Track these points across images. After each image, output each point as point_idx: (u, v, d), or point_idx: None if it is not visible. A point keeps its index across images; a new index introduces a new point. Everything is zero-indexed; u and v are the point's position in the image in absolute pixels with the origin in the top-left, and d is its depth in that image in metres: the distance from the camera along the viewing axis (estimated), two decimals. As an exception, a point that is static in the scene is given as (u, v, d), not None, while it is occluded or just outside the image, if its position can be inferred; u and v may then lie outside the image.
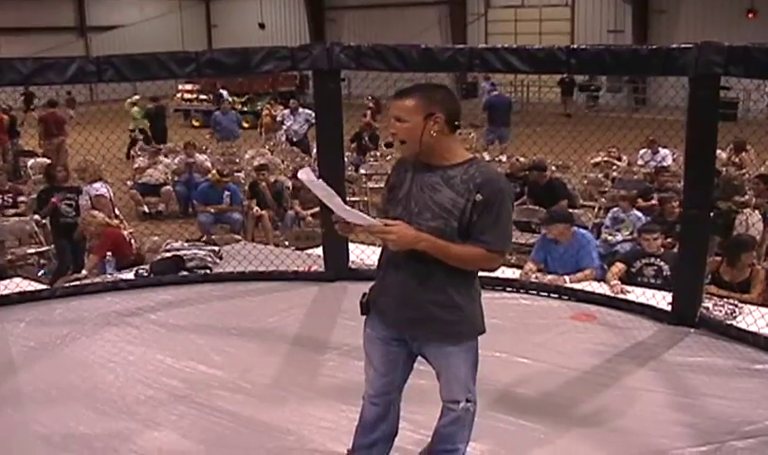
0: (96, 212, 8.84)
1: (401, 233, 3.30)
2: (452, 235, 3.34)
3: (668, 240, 7.68)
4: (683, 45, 5.75)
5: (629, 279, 7.02)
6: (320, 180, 3.43)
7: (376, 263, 3.69)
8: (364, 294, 3.65)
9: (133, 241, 8.57)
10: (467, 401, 3.57)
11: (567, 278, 7.00)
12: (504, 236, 3.39)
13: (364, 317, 3.68)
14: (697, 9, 27.20)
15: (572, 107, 27.16)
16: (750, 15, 26.25)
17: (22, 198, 11.04)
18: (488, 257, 3.36)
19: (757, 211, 8.96)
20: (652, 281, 6.96)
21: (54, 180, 9.93)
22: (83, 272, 7.96)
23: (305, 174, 3.46)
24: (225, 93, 23.83)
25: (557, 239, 7.35)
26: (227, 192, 11.32)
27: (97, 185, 10.14)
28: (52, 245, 9.68)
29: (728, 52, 5.51)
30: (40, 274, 9.27)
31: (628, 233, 9.01)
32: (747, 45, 5.46)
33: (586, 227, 8.62)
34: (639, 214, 9.21)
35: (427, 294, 3.42)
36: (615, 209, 9.45)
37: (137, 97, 18.92)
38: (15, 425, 4.79)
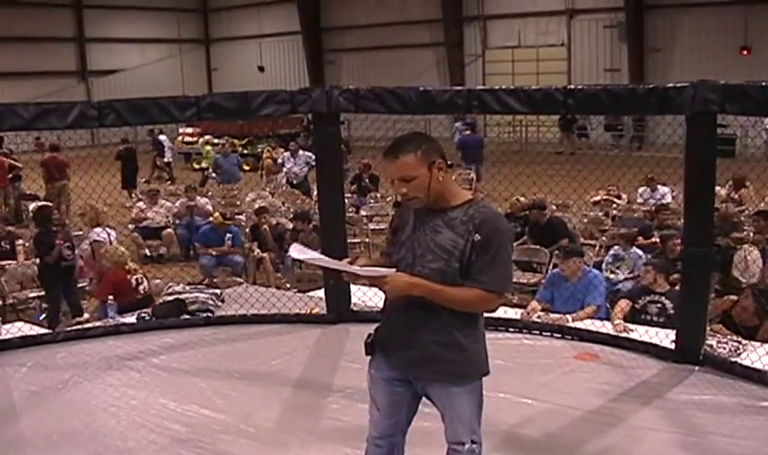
0: (122, 248, 8.87)
1: (394, 282, 3.35)
2: (454, 276, 3.36)
3: (672, 277, 7.67)
4: (679, 84, 5.80)
5: (633, 316, 7.01)
6: (317, 254, 3.53)
7: (381, 304, 3.71)
8: (369, 334, 3.66)
9: (145, 281, 8.53)
10: (473, 442, 3.54)
11: (570, 317, 6.99)
12: (502, 276, 3.41)
13: (368, 358, 3.67)
14: (692, 46, 27.46)
15: (573, 145, 27.29)
16: (744, 52, 26.49)
17: (20, 242, 11.01)
18: (486, 298, 3.38)
19: (755, 247, 8.95)
20: (656, 318, 6.94)
21: (48, 222, 9.82)
22: (85, 316, 7.95)
23: (296, 252, 3.54)
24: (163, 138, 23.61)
25: (567, 277, 7.36)
26: (228, 235, 11.33)
27: (97, 230, 10.17)
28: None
29: (724, 90, 5.56)
30: (41, 318, 9.25)
31: (628, 271, 9.01)
32: (743, 83, 5.52)
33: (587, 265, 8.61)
34: (639, 252, 9.21)
35: (431, 335, 3.43)
36: (616, 247, 9.45)
37: (208, 136, 19.59)
38: (17, 472, 4.77)
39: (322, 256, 3.49)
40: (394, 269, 3.43)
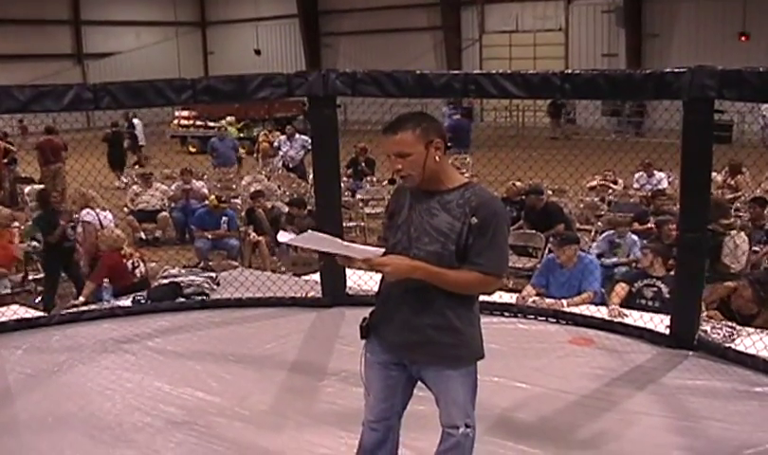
0: (119, 231, 8.81)
1: (395, 265, 3.34)
2: (451, 258, 3.37)
3: (669, 262, 7.68)
4: (676, 69, 5.80)
5: (628, 299, 7.01)
6: (306, 233, 3.49)
7: (377, 288, 3.71)
8: (365, 318, 3.66)
9: (142, 265, 8.50)
10: (467, 426, 3.55)
11: (565, 301, 7.00)
12: (500, 259, 3.42)
13: (363, 342, 3.67)
14: (690, 32, 27.42)
15: (560, 130, 27.25)
16: (742, 38, 26.45)
17: (16, 224, 10.99)
18: (484, 280, 3.39)
19: (743, 233, 8.95)
20: (651, 302, 6.95)
21: (48, 204, 9.83)
22: (81, 299, 7.94)
23: (284, 237, 3.55)
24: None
25: (563, 263, 7.37)
26: (224, 218, 11.31)
27: (83, 212, 10.13)
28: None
29: (721, 76, 5.55)
30: (37, 301, 9.24)
31: (624, 257, 9.01)
32: (740, 69, 5.50)
33: (584, 251, 8.61)
34: (635, 237, 9.21)
35: (426, 318, 3.43)
36: (611, 232, 9.43)
37: (230, 117, 19.54)
38: (11, 453, 4.77)
39: (319, 235, 3.45)
40: (383, 250, 3.42)
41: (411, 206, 3.50)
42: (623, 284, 7.17)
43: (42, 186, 13.63)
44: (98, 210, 10.13)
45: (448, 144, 3.52)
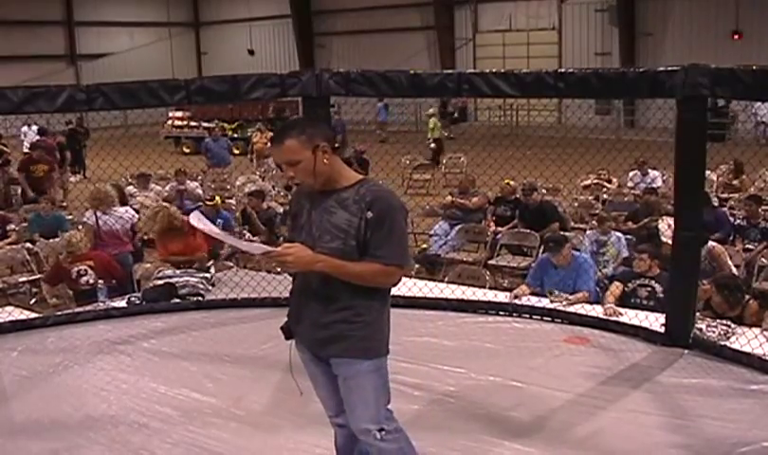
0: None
1: (297, 255, 3.41)
2: (352, 254, 3.43)
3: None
4: (670, 68, 5.80)
5: (622, 299, 7.02)
6: (194, 212, 3.76)
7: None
8: (285, 321, 3.73)
9: (90, 273, 8.26)
10: (381, 431, 3.55)
11: (564, 296, 7.02)
12: (399, 250, 3.47)
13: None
14: (683, 31, 27.46)
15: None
16: (735, 37, 26.49)
17: (11, 226, 10.98)
18: (386, 271, 3.44)
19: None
20: (645, 302, 6.97)
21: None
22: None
23: (195, 220, 3.66)
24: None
25: (557, 263, 7.38)
26: (219, 219, 11.27)
27: (87, 213, 10.07)
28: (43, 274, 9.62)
29: (715, 74, 5.56)
30: (32, 302, 9.22)
31: (614, 259, 8.90)
32: (733, 67, 5.51)
33: (578, 250, 8.60)
34: (619, 235, 9.16)
35: (334, 313, 3.51)
36: (594, 231, 9.33)
37: (432, 109, 21.49)
38: (7, 455, 4.76)
39: (217, 230, 3.63)
40: (281, 247, 3.49)
41: (311, 206, 3.57)
42: (617, 283, 7.18)
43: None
44: (99, 213, 10.00)
45: (336, 145, 3.57)
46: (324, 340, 3.56)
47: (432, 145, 21.42)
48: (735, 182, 12.96)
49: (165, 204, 9.16)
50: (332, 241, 3.45)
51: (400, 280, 3.62)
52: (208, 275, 8.10)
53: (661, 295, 6.88)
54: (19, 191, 14.74)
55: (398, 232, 3.47)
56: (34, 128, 19.90)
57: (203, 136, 22.37)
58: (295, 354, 3.75)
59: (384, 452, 3.57)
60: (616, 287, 7.10)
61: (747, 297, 6.72)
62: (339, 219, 3.45)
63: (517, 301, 7.06)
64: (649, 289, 7.01)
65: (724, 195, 12.25)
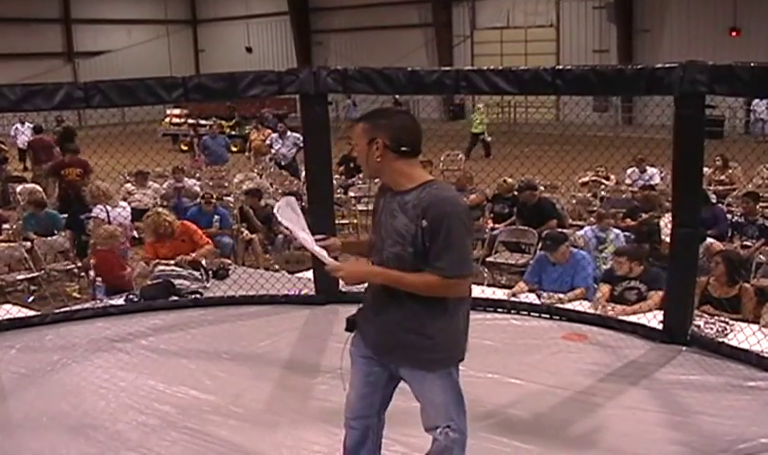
0: (114, 228, 8.72)
1: (348, 272, 3.45)
2: (411, 260, 3.35)
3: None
4: (667, 65, 5.81)
5: (612, 301, 6.99)
6: (282, 200, 3.68)
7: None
8: (354, 314, 3.68)
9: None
10: (448, 428, 3.48)
11: (562, 296, 7.01)
12: (459, 260, 3.32)
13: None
14: (681, 28, 27.44)
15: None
16: (733, 34, 26.48)
17: (6, 225, 10.97)
18: (444, 284, 3.31)
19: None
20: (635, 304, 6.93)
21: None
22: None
23: (282, 214, 3.66)
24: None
25: (555, 260, 7.38)
26: (216, 217, 11.28)
27: (96, 208, 10.09)
28: (42, 271, 9.62)
29: (713, 71, 5.57)
30: (29, 300, 9.22)
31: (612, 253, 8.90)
32: (731, 64, 5.52)
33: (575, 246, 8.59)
34: (617, 231, 9.15)
35: (400, 320, 3.43)
36: (593, 227, 9.31)
37: (480, 106, 22.04)
38: (5, 453, 4.75)
39: (302, 231, 3.58)
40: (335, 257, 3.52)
41: (383, 206, 3.52)
42: (605, 285, 7.13)
43: (36, 186, 13.61)
44: (108, 207, 10.00)
45: (405, 148, 3.46)
46: (388, 345, 3.50)
47: (485, 138, 22.14)
48: (722, 176, 13.03)
49: (158, 209, 9.17)
50: (393, 246, 3.39)
51: (468, 288, 3.51)
52: (197, 273, 8.02)
53: (648, 293, 6.85)
54: (17, 189, 14.72)
55: (455, 241, 3.28)
56: (27, 125, 19.90)
57: (201, 134, 22.34)
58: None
59: (449, 448, 3.50)
60: (606, 289, 7.07)
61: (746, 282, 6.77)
62: (399, 224, 3.37)
63: (515, 299, 7.09)
64: (636, 291, 6.95)
65: (711, 188, 12.25)
